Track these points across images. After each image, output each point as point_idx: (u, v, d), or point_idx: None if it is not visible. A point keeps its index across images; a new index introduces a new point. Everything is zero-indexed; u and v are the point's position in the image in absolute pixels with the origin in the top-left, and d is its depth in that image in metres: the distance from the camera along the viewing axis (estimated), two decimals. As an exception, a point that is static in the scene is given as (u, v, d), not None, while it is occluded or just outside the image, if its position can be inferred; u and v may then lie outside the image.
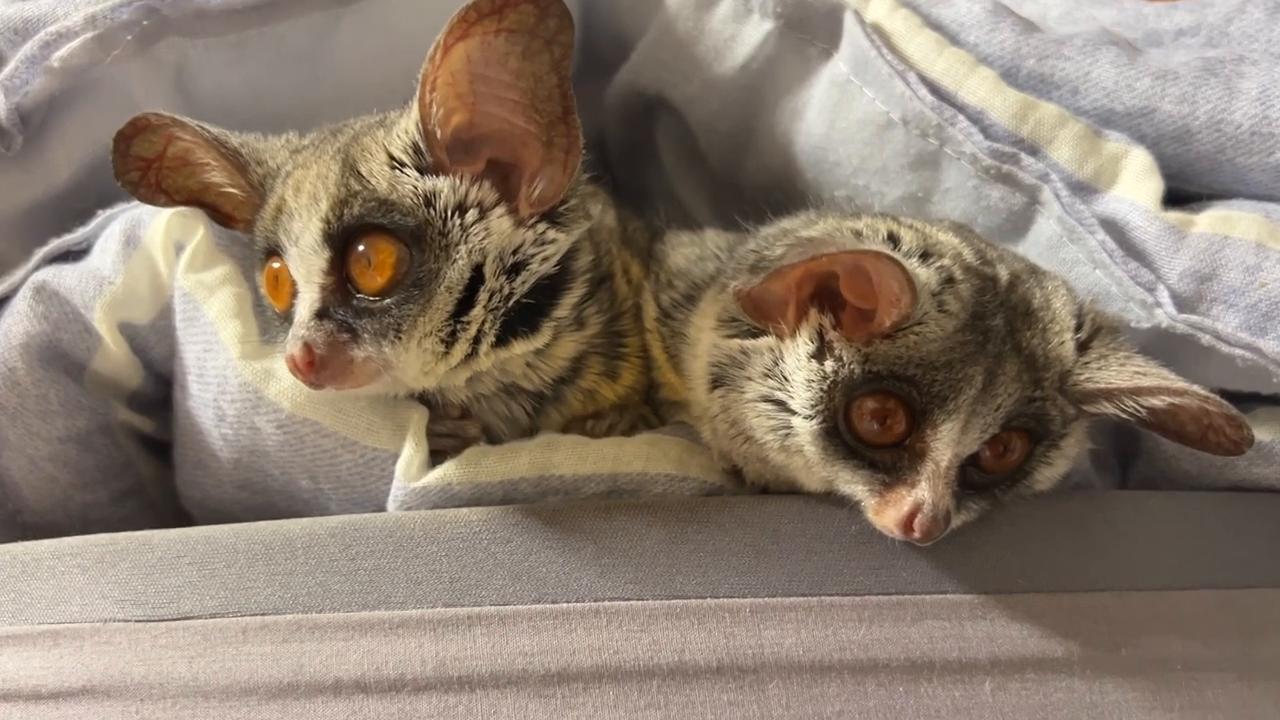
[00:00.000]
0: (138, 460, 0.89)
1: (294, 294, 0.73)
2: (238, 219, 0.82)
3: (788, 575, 0.74)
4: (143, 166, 0.79)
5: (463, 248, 0.72)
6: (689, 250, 0.87)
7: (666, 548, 0.74)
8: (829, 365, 0.69)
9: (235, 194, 0.80)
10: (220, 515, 0.86)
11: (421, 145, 0.73)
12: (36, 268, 0.81)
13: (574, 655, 0.71)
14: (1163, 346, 0.79)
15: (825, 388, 0.69)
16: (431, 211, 0.72)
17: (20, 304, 0.79)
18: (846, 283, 0.68)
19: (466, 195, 0.73)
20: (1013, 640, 0.74)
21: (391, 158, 0.73)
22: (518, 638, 0.71)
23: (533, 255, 0.75)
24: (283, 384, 0.76)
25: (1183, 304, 0.77)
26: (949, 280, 0.68)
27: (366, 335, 0.71)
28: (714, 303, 0.79)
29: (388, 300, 0.71)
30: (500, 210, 0.74)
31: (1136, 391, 0.69)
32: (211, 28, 0.84)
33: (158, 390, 0.86)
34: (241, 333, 0.76)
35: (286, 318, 0.74)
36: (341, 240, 0.71)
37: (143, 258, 0.79)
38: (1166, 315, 0.76)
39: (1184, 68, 0.82)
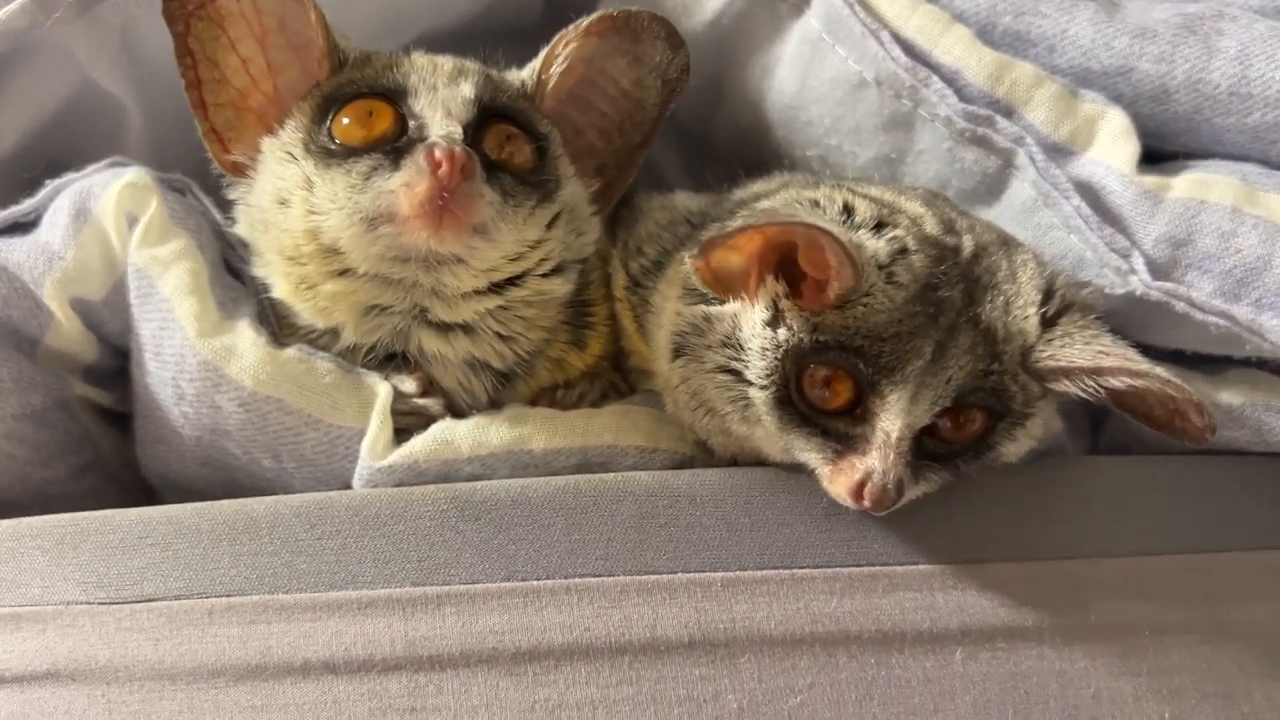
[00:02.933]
0: (97, 434, 0.87)
1: (402, 134, 0.73)
2: (215, 106, 0.78)
3: (759, 548, 0.73)
4: (198, 2, 0.75)
5: (570, 183, 0.80)
6: (659, 215, 0.86)
7: (637, 523, 0.73)
8: (781, 333, 0.69)
9: (252, 97, 0.78)
10: (184, 491, 0.84)
11: (531, 91, 0.79)
12: (-17, 241, 0.78)
13: (545, 633, 0.70)
14: (1136, 312, 0.78)
15: (778, 356, 0.69)
16: (549, 143, 0.78)
17: (-33, 281, 0.76)
18: (804, 254, 0.68)
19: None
20: (983, 609, 0.74)
21: (523, 86, 0.79)
22: (487, 616, 0.71)
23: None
24: (244, 361, 0.74)
25: (1157, 270, 0.76)
26: (901, 251, 0.68)
27: (497, 187, 0.73)
28: (680, 270, 0.77)
29: (518, 173, 0.75)
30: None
31: (1097, 371, 0.68)
32: (156, -14, 0.80)
33: (115, 363, 0.83)
34: (198, 310, 0.74)
35: (369, 148, 0.72)
36: (487, 114, 0.75)
37: (94, 231, 0.76)
38: (1141, 282, 0.75)
39: (1163, 25, 0.81)
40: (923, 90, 0.79)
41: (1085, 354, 0.68)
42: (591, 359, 0.83)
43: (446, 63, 0.77)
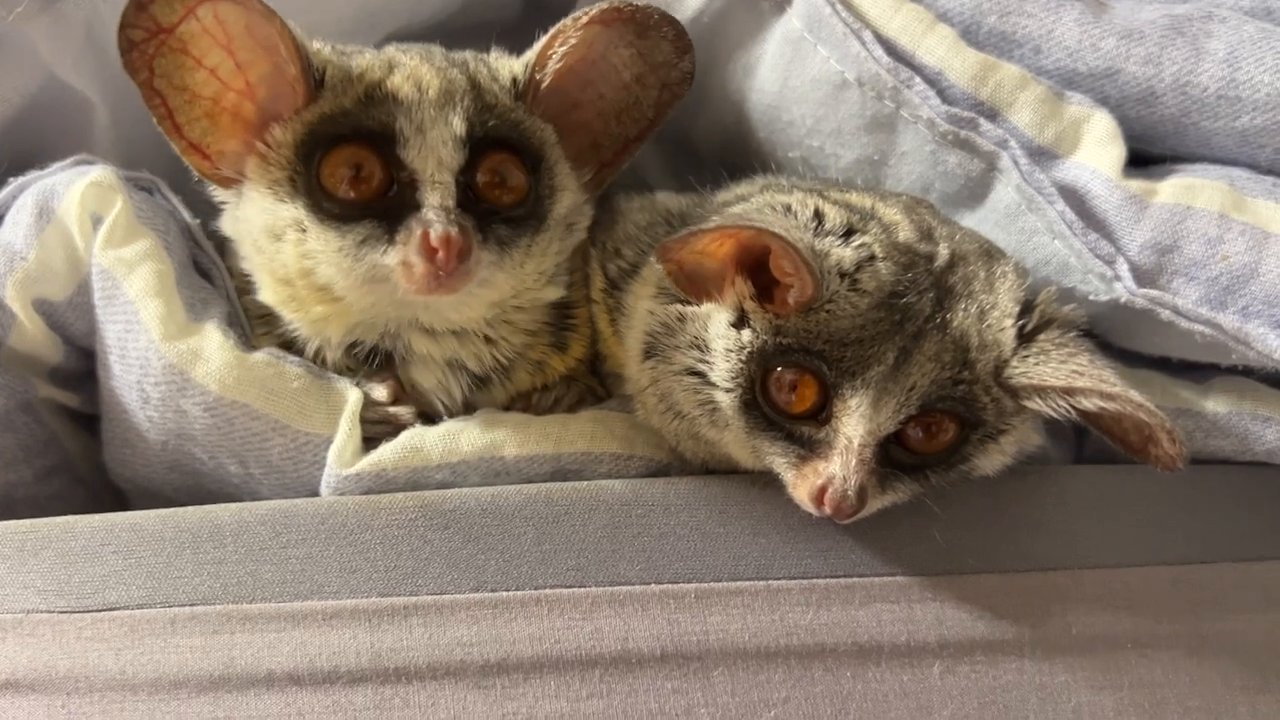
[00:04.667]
0: (63, 436, 0.86)
1: (391, 185, 0.70)
2: (188, 123, 0.73)
3: (734, 559, 0.72)
4: (151, 30, 0.69)
5: (564, 191, 0.77)
6: (639, 216, 0.84)
7: (609, 533, 0.72)
8: (745, 335, 0.69)
9: (225, 97, 0.73)
10: (152, 495, 0.83)
11: (522, 86, 0.76)
12: (-56, 241, 0.76)
13: (514, 645, 0.69)
14: (1121, 319, 0.77)
15: (742, 358, 0.69)
16: (546, 149, 0.76)
17: (-73, 281, 0.75)
18: (774, 259, 0.67)
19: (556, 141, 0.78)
20: (962, 622, 0.73)
21: (515, 85, 0.76)
22: (455, 628, 0.69)
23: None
24: (210, 365, 0.72)
25: (1142, 277, 0.75)
26: (869, 259, 0.67)
27: (493, 241, 0.72)
28: (655, 270, 0.76)
29: (512, 216, 0.73)
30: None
31: (1070, 391, 0.67)
32: (120, -20, 0.78)
33: (80, 364, 0.82)
34: (164, 312, 0.73)
35: (361, 209, 0.70)
36: (478, 148, 0.71)
37: (57, 231, 0.74)
38: (1125, 289, 0.74)
39: (1150, 27, 0.79)
40: (905, 91, 0.78)
41: (1059, 373, 0.67)
42: (572, 361, 0.82)
43: (433, 81, 0.72)
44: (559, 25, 0.75)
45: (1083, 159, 0.78)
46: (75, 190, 0.74)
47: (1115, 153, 0.77)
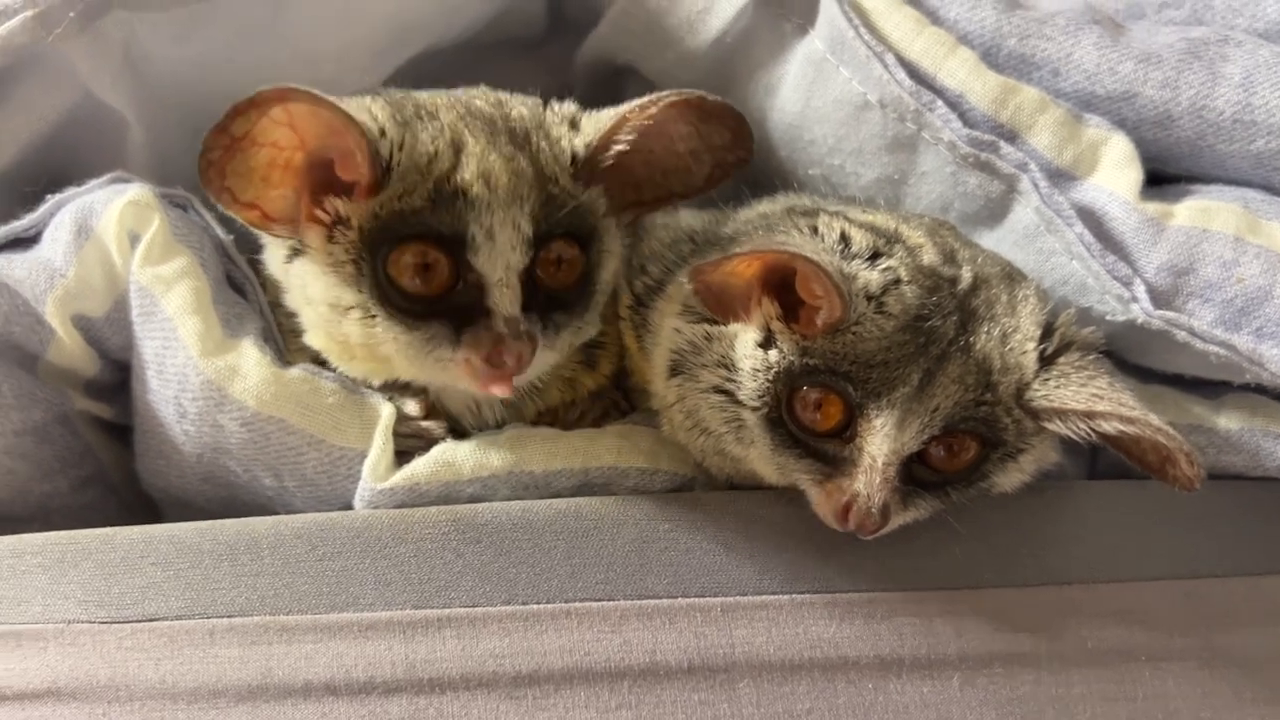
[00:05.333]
0: (97, 447, 0.87)
1: (458, 280, 0.70)
2: (279, 221, 0.72)
3: (759, 573, 0.74)
4: (227, 145, 0.68)
5: (611, 255, 0.78)
6: (662, 234, 0.86)
7: (637, 547, 0.73)
8: (772, 355, 0.70)
9: (280, 158, 0.70)
10: (185, 505, 0.85)
11: (582, 164, 0.75)
12: (-16, 257, 0.78)
13: (545, 657, 0.71)
14: (1137, 338, 0.79)
15: (769, 378, 0.70)
16: (599, 223, 0.76)
17: (-32, 297, 0.76)
18: (800, 280, 0.69)
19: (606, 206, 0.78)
20: (981, 635, 0.74)
21: (574, 162, 0.75)
22: (488, 639, 0.71)
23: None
24: (248, 381, 0.74)
25: (1159, 298, 0.76)
26: (895, 282, 0.69)
27: (551, 329, 0.73)
28: (680, 288, 0.78)
29: (566, 298, 0.74)
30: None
31: (1090, 415, 0.69)
32: (158, 1, 0.80)
33: (115, 377, 0.83)
34: (201, 329, 0.74)
35: (428, 305, 0.70)
36: (542, 241, 0.71)
37: (95, 248, 0.76)
38: (1142, 311, 0.75)
39: (1167, 50, 0.80)
40: (927, 114, 0.79)
41: (1079, 396, 0.69)
42: (602, 379, 0.83)
43: (501, 177, 0.70)
44: (625, 111, 0.74)
45: (1100, 181, 0.80)
46: (113, 208, 0.76)
47: (1133, 175, 0.79)
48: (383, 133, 0.69)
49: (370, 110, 0.71)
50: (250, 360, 0.75)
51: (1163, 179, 0.85)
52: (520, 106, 0.77)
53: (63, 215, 0.77)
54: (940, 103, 0.80)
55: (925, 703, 0.73)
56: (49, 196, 0.79)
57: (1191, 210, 0.78)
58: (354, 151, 0.69)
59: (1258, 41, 0.82)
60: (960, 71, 0.81)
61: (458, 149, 0.71)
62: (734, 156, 0.79)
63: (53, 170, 0.83)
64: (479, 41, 0.96)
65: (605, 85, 1.06)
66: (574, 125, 0.77)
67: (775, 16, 0.85)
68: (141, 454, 0.84)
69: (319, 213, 0.71)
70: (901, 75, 0.80)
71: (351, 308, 0.71)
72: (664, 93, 0.73)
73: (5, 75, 0.79)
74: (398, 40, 0.90)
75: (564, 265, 0.73)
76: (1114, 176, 0.79)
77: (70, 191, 0.79)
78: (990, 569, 0.76)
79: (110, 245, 0.76)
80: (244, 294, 0.81)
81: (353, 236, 0.70)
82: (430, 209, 0.69)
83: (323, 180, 0.71)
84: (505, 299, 0.70)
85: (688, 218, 0.88)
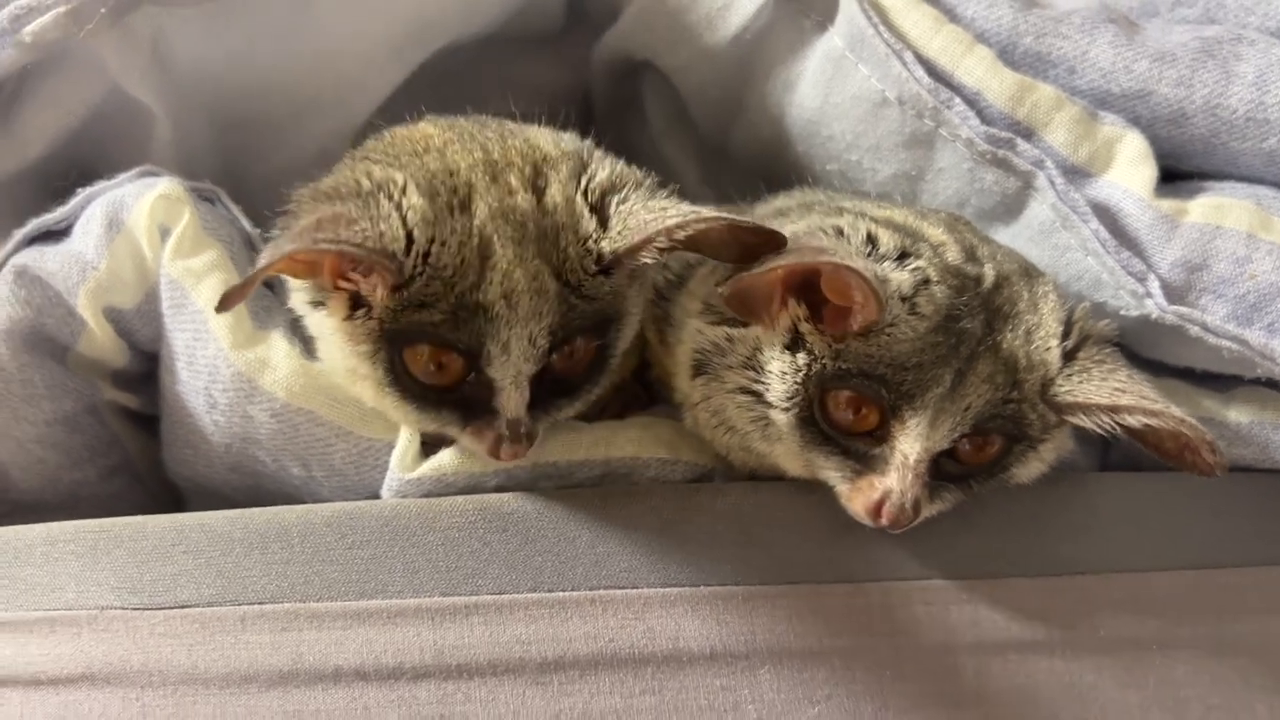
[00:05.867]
0: (124, 436, 0.88)
1: (467, 376, 0.70)
2: (304, 274, 0.72)
3: (779, 562, 0.75)
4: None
5: (631, 316, 0.76)
6: (680, 228, 0.86)
7: (660, 537, 0.75)
8: (801, 358, 0.70)
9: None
10: (210, 494, 0.86)
11: (609, 262, 0.71)
12: (16, 249, 0.79)
13: (570, 643, 0.72)
14: (1150, 332, 0.80)
15: (799, 380, 0.70)
16: (618, 305, 0.74)
17: (1, 289, 0.77)
18: (827, 281, 0.69)
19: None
20: (996, 624, 0.76)
21: (601, 261, 0.71)
22: (514, 626, 0.72)
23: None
24: (278, 374, 0.75)
25: (1172, 293, 0.78)
26: (924, 282, 0.69)
27: (554, 408, 0.74)
28: (702, 284, 0.78)
29: (579, 376, 0.74)
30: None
31: (1114, 409, 0.70)
32: (187, -3, 0.81)
33: (142, 367, 0.85)
34: (232, 322, 0.75)
35: (439, 393, 0.71)
36: (557, 345, 0.71)
37: (126, 241, 0.77)
38: (1156, 306, 0.76)
39: (1181, 49, 0.82)
40: (945, 112, 0.80)
41: (1102, 391, 0.70)
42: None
43: (524, 296, 0.68)
44: (654, 232, 0.68)
45: (1115, 178, 0.81)
46: (144, 202, 0.77)
47: (1147, 173, 0.80)
48: (410, 240, 0.67)
49: (402, 206, 0.68)
50: (280, 352, 0.76)
51: (1176, 175, 0.86)
52: (556, 184, 0.72)
53: (93, 209, 0.78)
54: (958, 100, 0.81)
55: (941, 689, 0.74)
56: (79, 190, 0.80)
57: (1205, 207, 0.79)
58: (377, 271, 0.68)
59: (1271, 40, 0.83)
60: (978, 69, 0.82)
61: (485, 257, 0.68)
62: (765, 249, 0.71)
63: (81, 164, 0.84)
64: (499, 37, 0.97)
65: (623, 80, 1.07)
66: (603, 220, 0.71)
67: (795, 13, 0.86)
68: (168, 443, 0.85)
69: (343, 283, 0.70)
70: (920, 73, 0.81)
71: (366, 380, 0.72)
72: (700, 215, 0.68)
73: (35, 70, 0.80)
74: (419, 37, 0.91)
75: (578, 355, 0.73)
76: (1129, 173, 0.80)
77: (100, 185, 0.80)
78: (1005, 559, 0.77)
79: (141, 239, 0.77)
80: (271, 286, 0.82)
81: (373, 325, 0.69)
82: (450, 324, 0.68)
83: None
84: (512, 403, 0.70)
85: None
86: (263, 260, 0.63)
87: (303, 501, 0.80)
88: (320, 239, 0.63)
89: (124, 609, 0.73)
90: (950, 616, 0.75)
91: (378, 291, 0.68)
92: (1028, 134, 0.82)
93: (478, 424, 0.71)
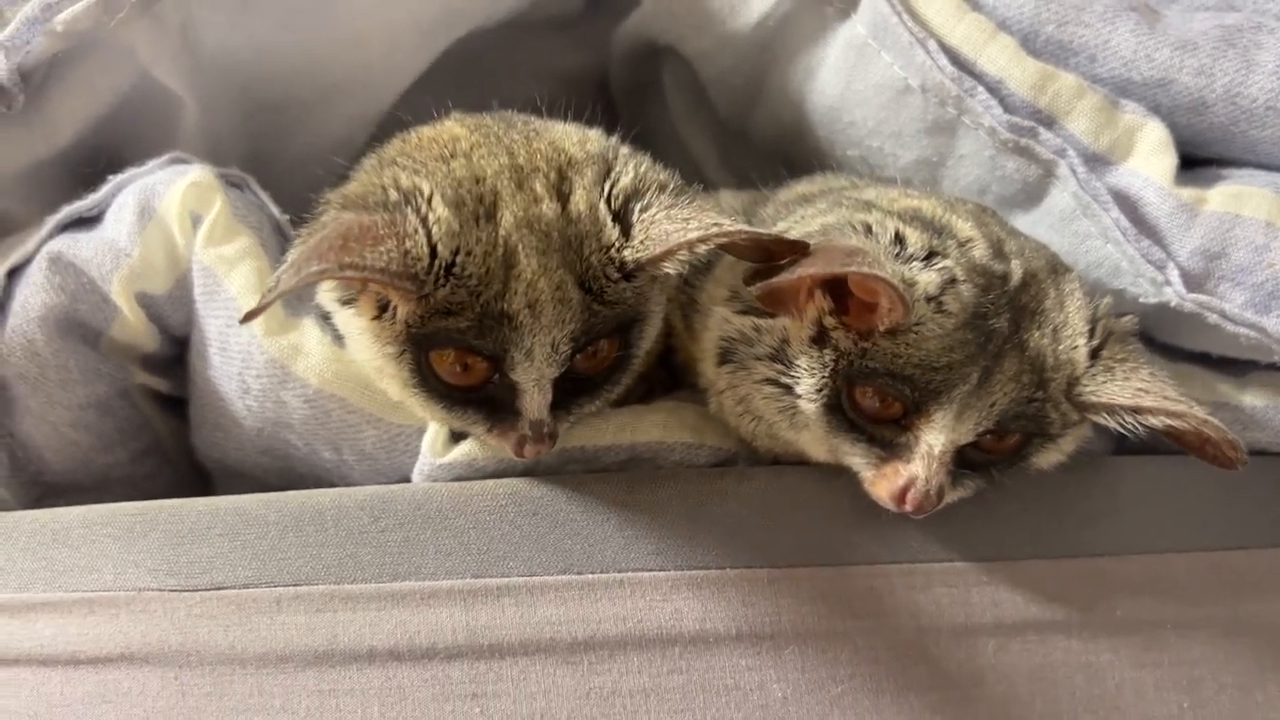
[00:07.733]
0: (155, 419, 0.90)
1: (491, 378, 0.71)
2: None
3: (803, 545, 0.77)
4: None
5: (654, 314, 0.76)
6: (704, 214, 0.87)
7: (687, 520, 0.76)
8: (828, 354, 0.71)
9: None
10: (240, 476, 0.87)
11: (632, 269, 0.71)
12: (50, 236, 0.79)
13: (600, 624, 0.74)
14: (1169, 319, 0.81)
15: (826, 374, 0.71)
16: (639, 307, 0.74)
17: (36, 275, 0.78)
18: (854, 282, 0.69)
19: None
20: (1015, 604, 0.77)
21: (623, 269, 0.71)
22: (545, 607, 0.74)
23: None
24: (310, 360, 0.76)
25: (1191, 281, 0.79)
26: (951, 281, 0.69)
27: (576, 406, 0.75)
28: (729, 270, 0.79)
29: (601, 375, 0.75)
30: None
31: (1137, 410, 0.70)
32: (215, -16, 0.81)
33: (172, 351, 0.86)
34: (265, 309, 0.76)
35: (464, 393, 0.72)
36: (583, 348, 0.72)
37: (158, 229, 0.78)
38: (1175, 294, 0.77)
39: (1203, 38, 0.82)
40: (968, 100, 0.81)
41: (1125, 391, 0.70)
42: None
43: (547, 305, 0.69)
44: (677, 245, 0.68)
45: (1136, 166, 0.82)
46: (176, 190, 0.78)
47: (1167, 161, 0.81)
48: (434, 254, 0.67)
49: (428, 220, 0.67)
50: (312, 339, 0.77)
51: (1195, 161, 0.87)
52: (581, 190, 0.71)
53: (125, 196, 0.79)
54: (981, 88, 0.81)
55: (961, 668, 0.76)
56: (108, 177, 0.81)
57: (1224, 196, 0.80)
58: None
59: (1291, 28, 0.83)
60: (1000, 58, 0.82)
61: (509, 267, 0.68)
62: (789, 253, 0.71)
63: (110, 150, 0.84)
64: (522, 21, 0.97)
65: (644, 64, 1.07)
66: (625, 229, 0.71)
67: (817, 1, 0.87)
68: (198, 426, 0.87)
69: (372, 286, 0.70)
70: (943, 61, 0.81)
71: (392, 378, 0.73)
72: (722, 229, 0.67)
73: (65, 57, 0.80)
74: (444, 22, 0.92)
75: (600, 355, 0.74)
76: (1149, 162, 0.81)
77: (131, 172, 0.81)
78: (1025, 541, 0.79)
79: (173, 226, 0.78)
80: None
81: (399, 328, 0.70)
82: (475, 331, 0.68)
83: None
84: (535, 404, 0.71)
85: (728, 198, 0.90)
86: (288, 277, 0.63)
87: (333, 483, 0.81)
88: (345, 263, 0.63)
89: (161, 590, 0.74)
90: (971, 598, 0.77)
91: (403, 302, 0.69)
92: (1049, 122, 0.82)
93: (501, 425, 0.72)
